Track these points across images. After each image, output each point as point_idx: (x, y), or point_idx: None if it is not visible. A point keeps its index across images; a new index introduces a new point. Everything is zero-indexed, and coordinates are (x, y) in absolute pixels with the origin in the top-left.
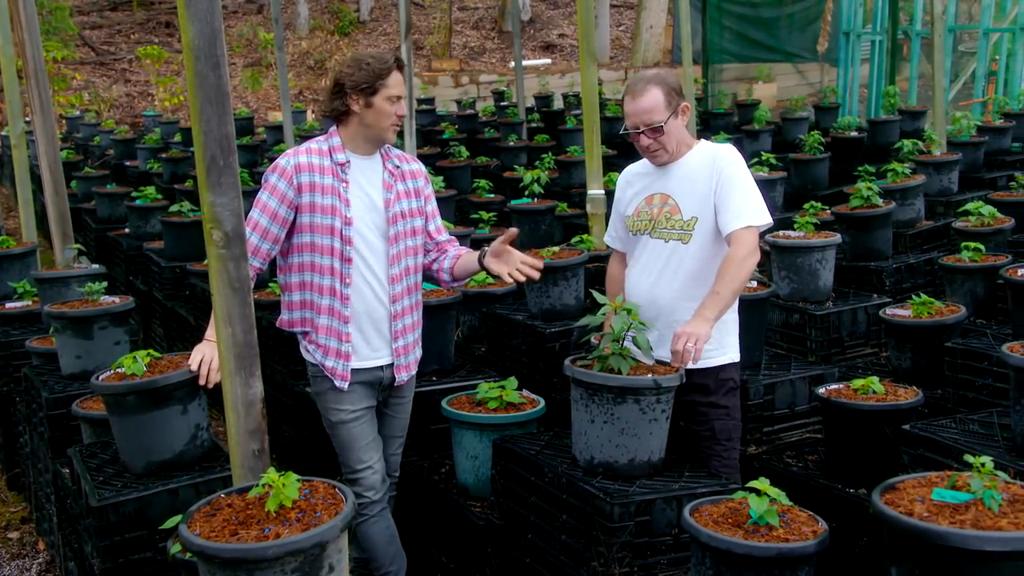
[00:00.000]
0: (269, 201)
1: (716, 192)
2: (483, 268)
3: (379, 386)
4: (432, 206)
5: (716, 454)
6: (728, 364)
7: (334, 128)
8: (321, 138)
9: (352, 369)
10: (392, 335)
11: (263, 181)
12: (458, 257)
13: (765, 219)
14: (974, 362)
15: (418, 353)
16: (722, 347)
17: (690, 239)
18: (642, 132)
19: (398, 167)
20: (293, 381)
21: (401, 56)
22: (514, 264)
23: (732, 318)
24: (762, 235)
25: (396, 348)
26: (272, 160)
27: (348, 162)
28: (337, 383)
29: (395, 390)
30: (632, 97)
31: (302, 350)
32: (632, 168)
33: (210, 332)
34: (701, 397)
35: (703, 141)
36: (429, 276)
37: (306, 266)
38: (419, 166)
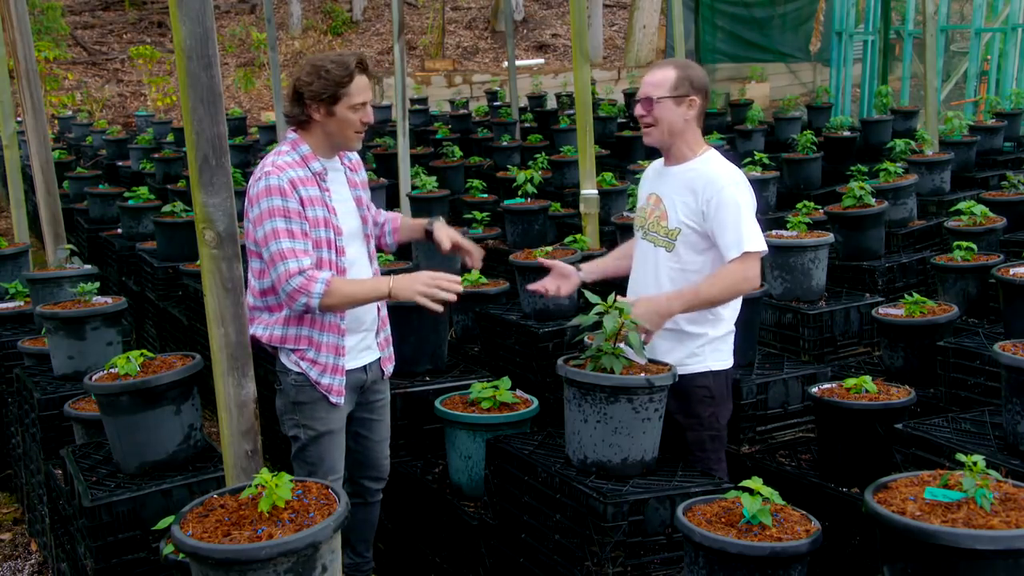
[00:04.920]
0: (291, 224)
1: (709, 215)
2: (428, 235)
3: (359, 389)
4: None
5: (692, 462)
6: (702, 373)
7: (295, 136)
8: (286, 148)
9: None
10: (376, 329)
11: (269, 208)
12: (396, 231)
13: (764, 246)
14: (966, 361)
15: (391, 348)
16: (696, 356)
17: (673, 248)
18: (640, 100)
19: (349, 161)
20: None
21: (365, 59)
22: (456, 237)
23: (715, 334)
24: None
25: (379, 341)
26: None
27: (324, 170)
28: (333, 399)
29: (374, 392)
30: (650, 69)
31: (288, 363)
32: (652, 165)
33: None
34: (673, 405)
35: (713, 152)
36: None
37: None
38: (357, 155)
